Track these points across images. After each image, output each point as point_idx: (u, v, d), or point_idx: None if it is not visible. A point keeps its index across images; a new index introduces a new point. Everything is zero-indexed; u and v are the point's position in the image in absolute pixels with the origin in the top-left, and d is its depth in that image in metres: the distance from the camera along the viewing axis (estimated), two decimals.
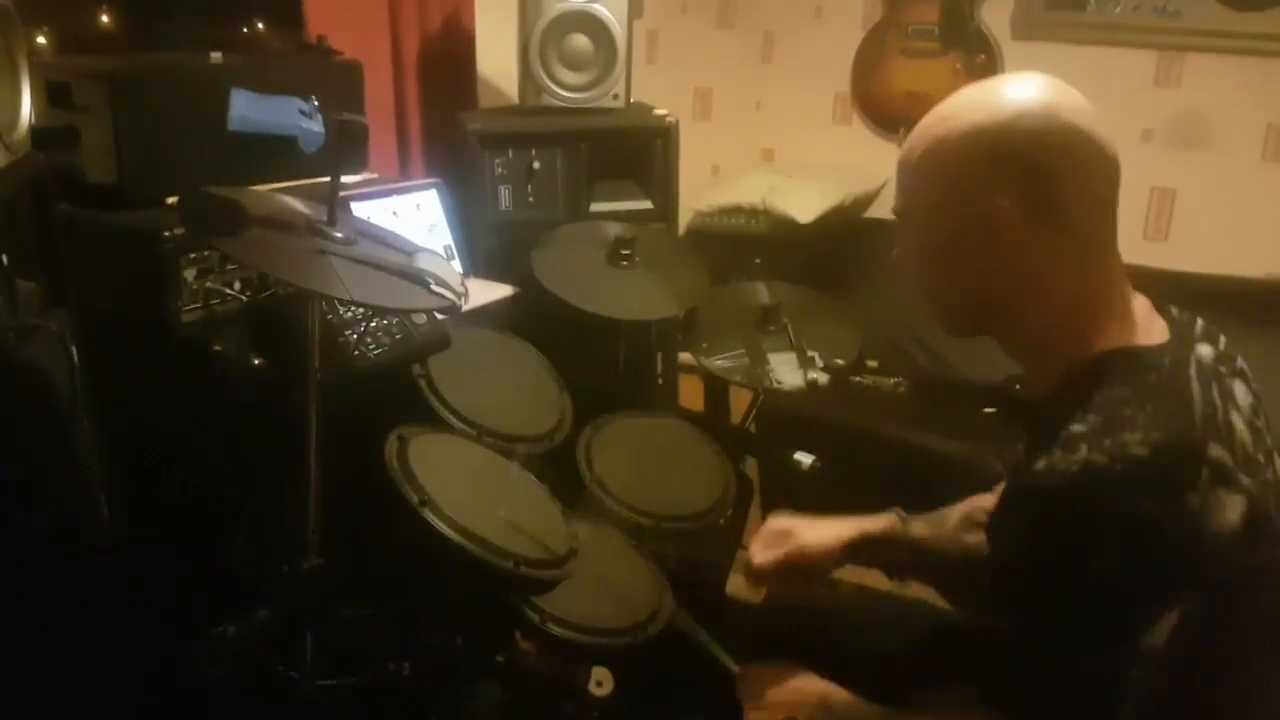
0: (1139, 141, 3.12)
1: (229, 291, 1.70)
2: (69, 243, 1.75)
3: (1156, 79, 3.13)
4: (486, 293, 2.15)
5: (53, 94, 1.72)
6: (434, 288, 1.48)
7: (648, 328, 2.43)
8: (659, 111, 2.63)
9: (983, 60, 3.28)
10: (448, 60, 2.79)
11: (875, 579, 1.57)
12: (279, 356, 1.60)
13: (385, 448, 1.47)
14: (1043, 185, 1.00)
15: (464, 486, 1.48)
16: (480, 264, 2.34)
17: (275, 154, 1.89)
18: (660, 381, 2.61)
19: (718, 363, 1.96)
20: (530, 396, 1.86)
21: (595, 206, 2.57)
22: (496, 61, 2.88)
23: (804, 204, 3.16)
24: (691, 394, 2.64)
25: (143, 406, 1.73)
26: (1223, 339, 1.10)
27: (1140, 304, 1.08)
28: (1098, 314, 1.04)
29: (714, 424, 2.29)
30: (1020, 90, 1.03)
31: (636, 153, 2.60)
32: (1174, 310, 1.10)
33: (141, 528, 1.76)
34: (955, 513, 1.40)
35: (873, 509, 1.47)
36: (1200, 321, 1.11)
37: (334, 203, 1.48)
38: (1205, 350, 1.06)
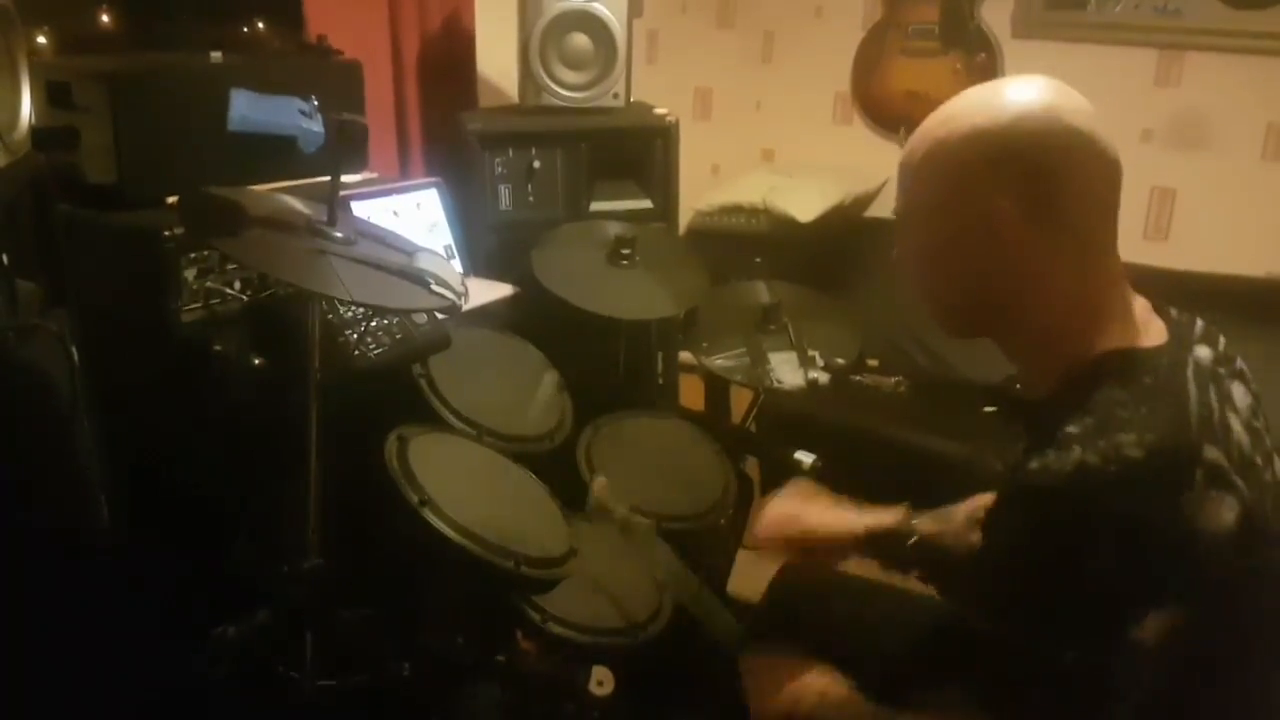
0: (1139, 141, 3.12)
1: (229, 291, 1.70)
2: (69, 243, 1.75)
3: (1156, 78, 3.12)
4: (486, 292, 2.15)
5: (53, 94, 1.72)
6: (434, 287, 1.48)
7: (648, 327, 2.43)
8: (659, 111, 2.63)
9: (983, 59, 3.28)
10: (448, 60, 2.79)
11: (870, 569, 1.57)
12: (279, 356, 1.60)
13: (385, 448, 1.47)
14: (1043, 187, 1.00)
15: (464, 486, 1.48)
16: (480, 264, 2.34)
17: (275, 154, 1.89)
18: (660, 381, 2.61)
19: (718, 362, 1.96)
20: (530, 396, 1.86)
21: (595, 206, 2.57)
22: (496, 61, 2.88)
23: (804, 203, 3.16)
24: (692, 394, 2.64)
25: (143, 406, 1.73)
26: (1222, 340, 1.10)
27: (1140, 305, 1.08)
28: (1097, 315, 1.04)
29: (714, 424, 2.29)
30: (1021, 92, 1.03)
31: (636, 152, 2.60)
32: (1173, 312, 1.10)
33: (141, 528, 1.76)
34: (961, 511, 1.40)
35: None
36: (1200, 323, 1.11)
37: (334, 203, 1.49)
38: (1203, 352, 1.06)
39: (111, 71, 1.72)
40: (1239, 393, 1.05)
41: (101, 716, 1.70)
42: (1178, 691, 0.99)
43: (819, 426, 2.38)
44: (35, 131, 1.63)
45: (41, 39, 1.87)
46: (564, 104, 2.54)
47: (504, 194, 2.51)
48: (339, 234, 1.46)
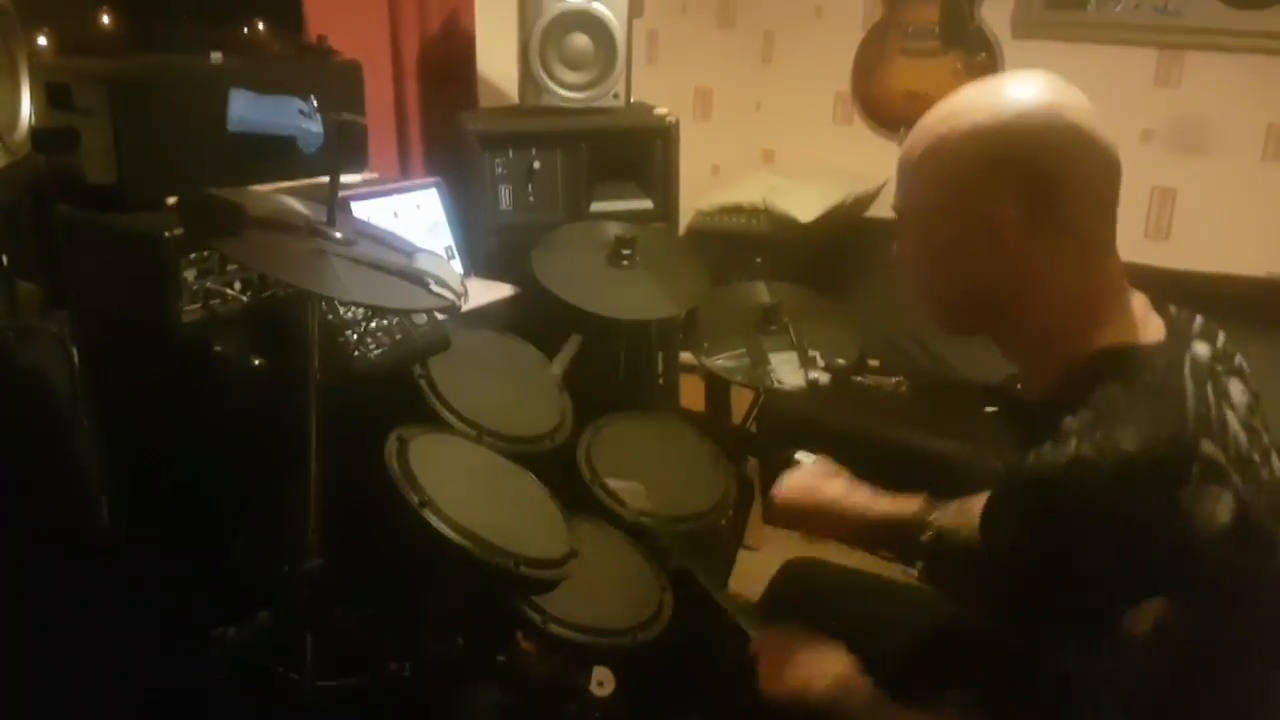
0: (1139, 141, 3.11)
1: (229, 292, 1.70)
2: (69, 244, 1.75)
3: (1157, 78, 3.12)
4: (487, 293, 2.15)
5: (53, 95, 1.72)
6: (434, 288, 1.48)
7: (648, 328, 2.43)
8: (659, 111, 2.63)
9: (983, 59, 3.28)
10: (448, 60, 2.79)
11: (868, 561, 1.57)
12: (279, 357, 1.60)
13: (385, 448, 1.47)
14: (1044, 187, 1.00)
15: (464, 487, 1.48)
16: (480, 264, 2.34)
17: (274, 154, 1.89)
18: (661, 382, 2.61)
19: (719, 363, 1.96)
20: (530, 397, 1.86)
21: (595, 206, 2.57)
22: (496, 61, 2.88)
23: (804, 204, 3.16)
24: (692, 394, 2.64)
25: (143, 407, 1.73)
26: (1221, 336, 1.10)
27: (1139, 302, 1.08)
28: (1097, 314, 1.04)
29: (715, 424, 2.29)
30: (1022, 89, 1.02)
31: (637, 153, 2.60)
32: (1172, 309, 1.10)
33: (141, 528, 1.76)
34: (977, 504, 1.39)
35: None
36: (1199, 319, 1.10)
37: (333, 203, 1.48)
38: (1201, 349, 1.06)
39: (111, 73, 1.72)
40: (1236, 390, 1.05)
41: (101, 716, 1.70)
42: (1177, 692, 0.98)
43: (819, 427, 2.38)
44: (35, 133, 1.63)
45: (42, 40, 1.87)
46: (564, 104, 2.54)
47: (504, 194, 2.51)
48: (339, 234, 1.46)
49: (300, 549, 1.47)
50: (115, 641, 1.69)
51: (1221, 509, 0.94)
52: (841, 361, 1.95)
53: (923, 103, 1.09)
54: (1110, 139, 1.02)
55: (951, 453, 2.52)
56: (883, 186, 3.37)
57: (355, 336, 1.64)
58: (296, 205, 1.54)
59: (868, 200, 3.40)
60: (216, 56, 1.92)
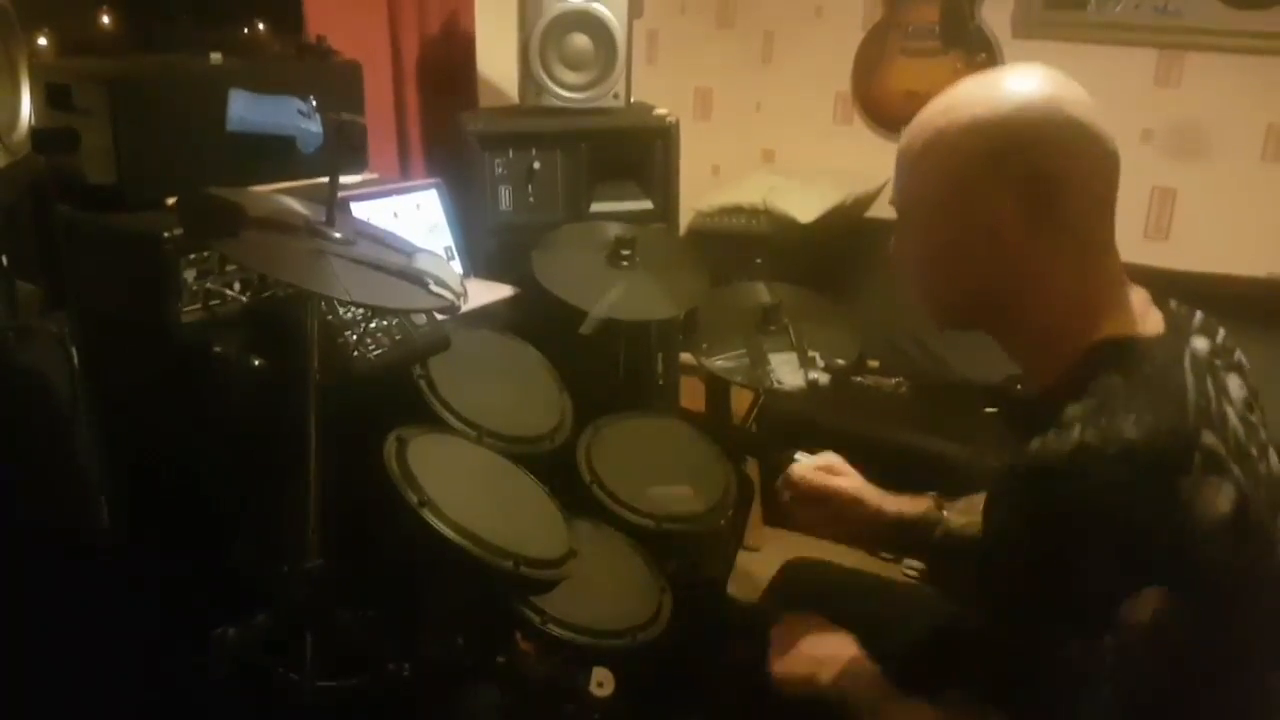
0: (1139, 142, 3.12)
1: (229, 293, 1.70)
2: (69, 244, 1.75)
3: (1156, 78, 3.12)
4: (486, 293, 2.15)
5: (52, 96, 1.72)
6: (433, 288, 1.48)
7: (648, 328, 2.43)
8: (659, 111, 2.62)
9: (983, 60, 3.28)
10: (447, 60, 2.79)
11: (865, 560, 1.57)
12: (278, 357, 1.60)
13: (385, 449, 1.47)
14: (1044, 185, 1.00)
15: (463, 487, 1.48)
16: (480, 265, 2.34)
17: (274, 155, 1.89)
18: (661, 382, 2.61)
19: (718, 363, 1.96)
20: (530, 397, 1.86)
21: (595, 207, 2.57)
22: (496, 62, 2.88)
23: (804, 204, 3.16)
24: (692, 395, 2.64)
25: (142, 407, 1.73)
26: (1221, 332, 1.10)
27: (1139, 297, 1.08)
28: (1097, 311, 1.04)
29: (715, 425, 2.29)
30: (1022, 83, 1.02)
31: (637, 153, 2.60)
32: (1173, 303, 1.10)
33: (141, 529, 1.76)
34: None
35: None
36: (1199, 315, 1.10)
37: (332, 203, 1.49)
38: (1201, 343, 1.06)
39: (111, 74, 1.72)
40: (1234, 385, 1.05)
41: (101, 716, 1.70)
42: (1177, 692, 0.99)
43: (819, 427, 2.38)
44: (35, 133, 1.63)
45: (41, 41, 1.87)
46: (564, 105, 2.54)
47: (504, 195, 2.51)
48: (338, 235, 1.46)
49: (300, 549, 1.47)
50: (115, 641, 1.69)
51: (1222, 499, 0.94)
52: (841, 362, 1.95)
53: (923, 103, 1.09)
54: (1110, 133, 1.01)
55: (951, 453, 2.52)
56: (883, 187, 3.37)
57: (355, 337, 1.64)
58: (296, 206, 1.54)
59: (868, 201, 3.40)
60: (216, 57, 1.92)
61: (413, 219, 2.17)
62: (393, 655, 1.51)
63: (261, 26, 2.16)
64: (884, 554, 1.94)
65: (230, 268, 1.69)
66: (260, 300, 1.73)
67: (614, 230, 2.13)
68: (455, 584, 1.53)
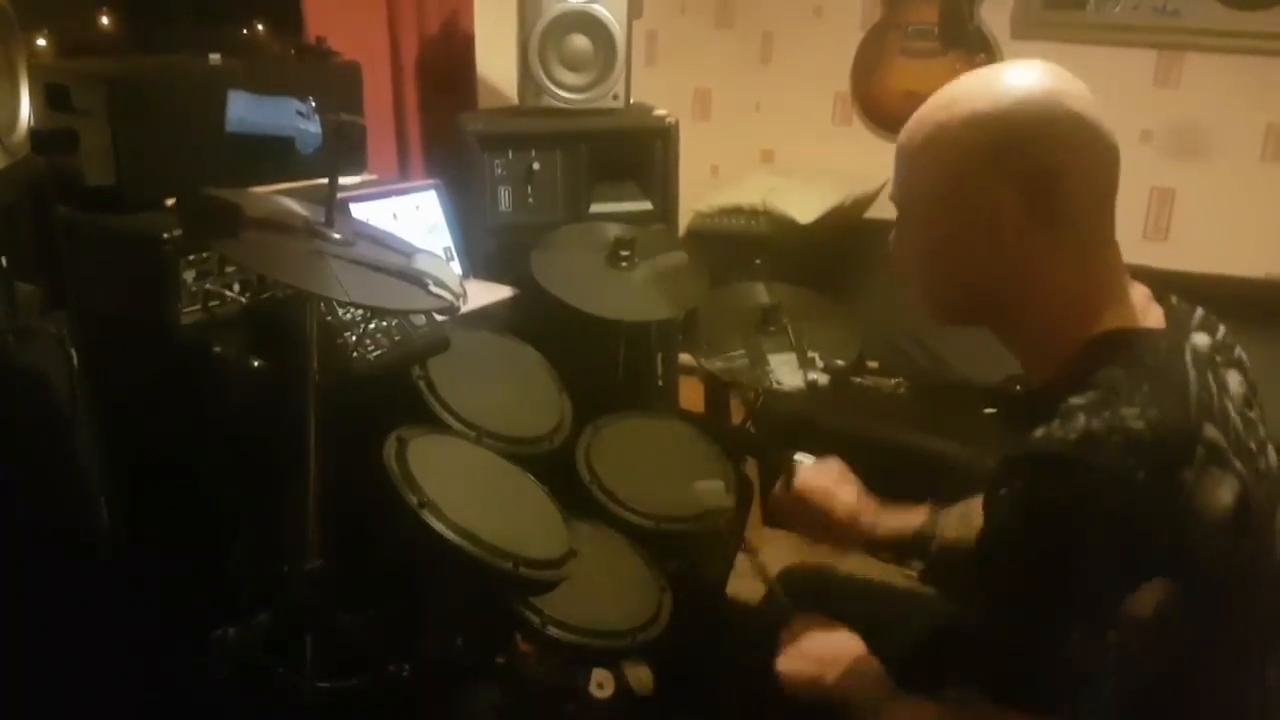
0: (1139, 141, 3.12)
1: (228, 293, 1.70)
2: (68, 245, 1.75)
3: (1156, 79, 3.13)
4: (486, 294, 2.15)
5: (52, 97, 1.72)
6: (433, 289, 1.48)
7: (647, 329, 2.43)
8: (659, 112, 2.62)
9: (982, 60, 3.28)
10: (447, 61, 2.79)
11: (872, 565, 1.57)
12: (278, 358, 1.60)
13: (384, 449, 1.47)
14: (1044, 180, 1.00)
15: (463, 488, 1.48)
16: (480, 266, 2.34)
17: (273, 156, 1.89)
18: (660, 383, 2.61)
19: (718, 364, 1.96)
20: (530, 398, 1.86)
21: (595, 208, 2.56)
22: (496, 62, 2.88)
23: (804, 204, 3.16)
24: (692, 395, 2.64)
25: (142, 408, 1.73)
26: (1221, 328, 1.10)
27: (1139, 292, 1.08)
28: (1097, 305, 1.03)
29: (714, 425, 2.29)
30: (1022, 77, 1.02)
31: (636, 153, 2.60)
32: (1173, 299, 1.10)
33: (141, 529, 1.76)
34: (979, 507, 1.39)
35: None
36: (1199, 311, 1.10)
37: (331, 204, 1.49)
38: (1201, 339, 1.06)
39: (110, 74, 1.72)
40: (1234, 381, 1.05)
41: (101, 716, 1.70)
42: (1177, 691, 0.99)
43: (819, 428, 2.38)
44: (34, 134, 1.63)
45: (41, 41, 1.87)
46: (563, 105, 2.54)
47: (503, 196, 2.51)
48: (337, 235, 1.46)
49: (300, 550, 1.47)
50: (115, 641, 1.69)
51: (1224, 492, 0.94)
52: (840, 362, 1.95)
53: (921, 104, 1.09)
54: (1110, 128, 1.01)
55: (951, 453, 2.52)
56: (882, 187, 3.37)
57: (354, 338, 1.64)
58: (295, 206, 1.54)
59: (867, 201, 3.40)
60: (215, 57, 1.92)
61: (412, 220, 2.17)
62: (393, 656, 1.51)
63: (261, 27, 2.16)
64: (884, 555, 1.94)
65: (230, 268, 1.69)
66: (260, 301, 1.73)
67: (613, 231, 2.13)
68: (455, 584, 1.53)
